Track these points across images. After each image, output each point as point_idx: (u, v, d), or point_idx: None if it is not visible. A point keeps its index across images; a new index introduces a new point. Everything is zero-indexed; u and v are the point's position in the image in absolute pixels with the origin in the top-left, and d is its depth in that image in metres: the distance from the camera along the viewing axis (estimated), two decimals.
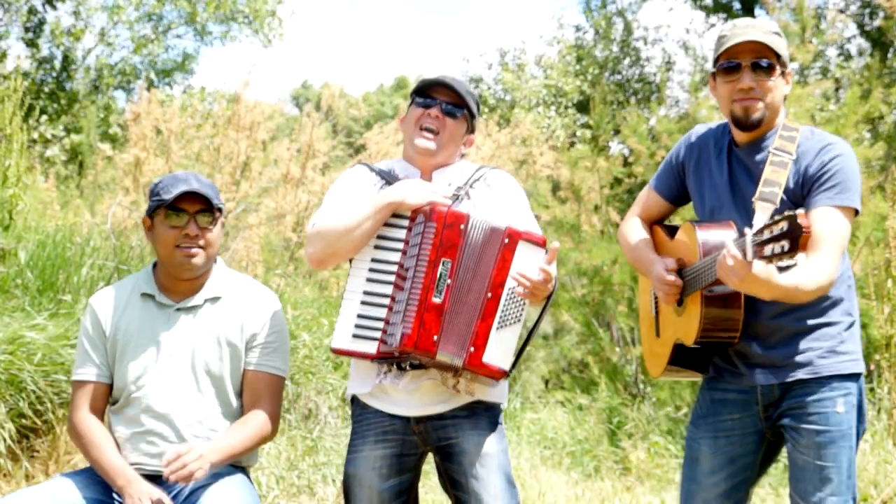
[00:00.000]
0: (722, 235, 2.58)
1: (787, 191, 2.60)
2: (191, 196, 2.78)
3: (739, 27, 2.67)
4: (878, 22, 13.95)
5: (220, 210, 2.85)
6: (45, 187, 9.15)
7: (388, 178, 2.91)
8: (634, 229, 2.94)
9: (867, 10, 15.09)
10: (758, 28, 2.64)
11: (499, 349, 2.67)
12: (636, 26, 18.48)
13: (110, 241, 5.96)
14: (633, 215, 2.99)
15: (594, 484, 5.83)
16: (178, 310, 2.85)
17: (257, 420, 2.83)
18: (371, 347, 2.72)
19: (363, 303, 2.74)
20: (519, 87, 19.15)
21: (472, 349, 2.66)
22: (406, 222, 2.76)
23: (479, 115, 3.03)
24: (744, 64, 2.62)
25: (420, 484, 3.00)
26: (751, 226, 2.42)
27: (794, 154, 2.61)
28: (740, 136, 2.72)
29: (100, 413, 2.86)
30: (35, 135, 12.81)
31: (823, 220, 2.54)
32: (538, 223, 2.93)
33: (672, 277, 2.67)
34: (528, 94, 18.75)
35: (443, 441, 2.80)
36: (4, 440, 4.23)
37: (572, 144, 15.09)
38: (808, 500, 2.56)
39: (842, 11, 15.07)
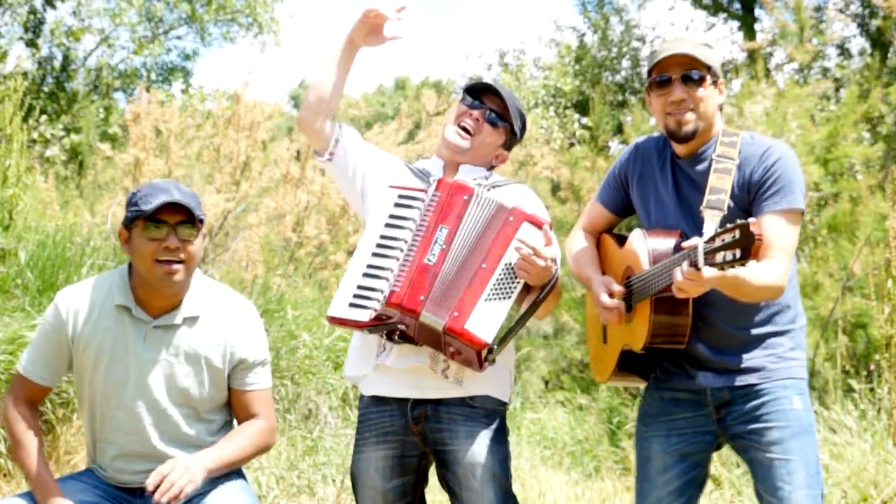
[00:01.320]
0: (670, 243, 2.62)
1: (733, 197, 2.63)
2: (171, 207, 2.62)
3: (669, 41, 2.72)
4: (877, 22, 13.95)
5: (201, 221, 2.70)
6: (45, 187, 9.15)
7: (415, 173, 2.92)
8: (578, 243, 2.97)
9: (867, 10, 15.09)
10: (687, 41, 2.69)
11: (484, 320, 2.62)
12: (635, 25, 18.47)
13: (110, 241, 5.97)
14: (579, 228, 3.02)
15: (594, 484, 5.83)
16: (156, 327, 2.72)
17: (254, 429, 2.80)
18: (364, 315, 2.68)
19: (364, 275, 2.72)
20: (518, 89, 19.14)
21: (455, 313, 2.62)
22: (420, 203, 2.76)
23: (521, 138, 3.03)
24: (674, 77, 2.65)
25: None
26: (700, 234, 2.47)
27: (736, 159, 2.65)
28: (679, 149, 2.75)
29: (35, 407, 2.79)
30: (35, 135, 12.80)
31: (771, 226, 2.57)
32: None
33: (613, 301, 2.69)
34: (527, 95, 18.74)
35: (439, 446, 2.78)
36: (4, 440, 4.22)
37: (571, 145, 15.08)
38: (777, 495, 2.57)
39: (841, 11, 15.08)
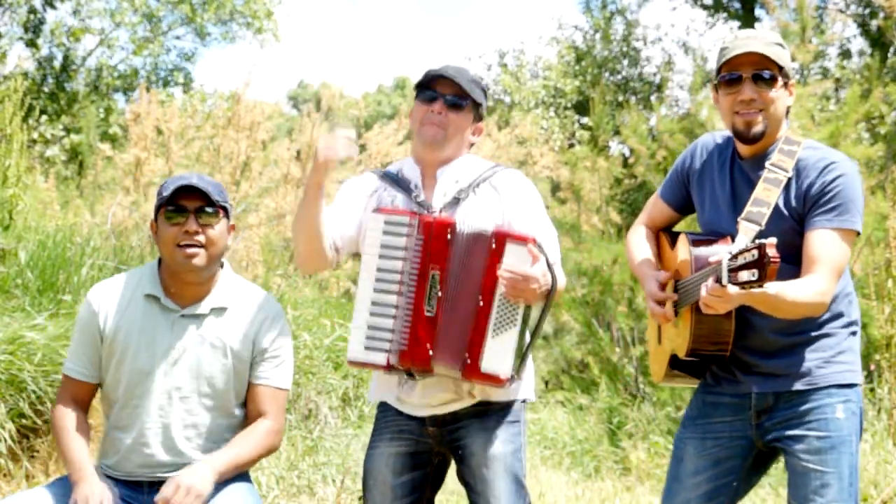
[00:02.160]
0: (715, 251, 2.54)
1: (788, 207, 2.58)
2: (191, 193, 2.72)
3: (741, 38, 2.64)
4: (878, 22, 13.95)
5: (224, 209, 2.79)
6: (45, 187, 9.15)
7: (394, 180, 2.89)
8: (638, 240, 2.93)
9: (867, 10, 15.09)
10: (759, 39, 2.61)
11: (497, 355, 2.64)
12: (636, 26, 18.48)
13: (110, 241, 5.97)
14: (640, 223, 2.97)
15: (594, 484, 5.83)
16: (183, 316, 2.78)
17: (264, 430, 2.80)
18: (382, 358, 2.71)
19: (372, 313, 2.72)
20: (518, 89, 19.15)
21: (468, 360, 2.65)
22: (406, 229, 2.72)
23: (487, 100, 2.98)
24: (745, 75, 2.59)
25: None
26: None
27: (790, 171, 2.59)
28: (743, 150, 2.69)
29: (84, 406, 2.82)
30: (35, 135, 12.81)
31: (821, 241, 2.51)
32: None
33: (660, 299, 2.67)
34: (527, 95, 18.75)
35: (454, 443, 2.81)
36: (4, 440, 4.22)
37: (571, 146, 15.09)
38: None
39: (842, 11, 15.08)
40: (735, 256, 2.26)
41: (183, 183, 2.72)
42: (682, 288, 2.63)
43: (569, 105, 18.49)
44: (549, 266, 2.67)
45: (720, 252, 2.36)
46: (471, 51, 38.45)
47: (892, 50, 12.60)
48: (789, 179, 2.59)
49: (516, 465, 2.80)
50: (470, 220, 2.74)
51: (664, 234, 2.90)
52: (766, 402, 2.62)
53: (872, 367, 5.62)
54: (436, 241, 2.68)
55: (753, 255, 2.20)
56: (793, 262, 2.54)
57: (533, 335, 2.76)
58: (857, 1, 15.34)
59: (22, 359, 4.36)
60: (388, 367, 2.72)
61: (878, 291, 5.64)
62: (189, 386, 2.77)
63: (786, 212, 2.58)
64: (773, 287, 2.37)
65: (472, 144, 2.96)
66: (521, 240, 2.64)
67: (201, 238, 2.72)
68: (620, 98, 17.00)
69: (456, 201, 2.81)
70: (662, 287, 2.69)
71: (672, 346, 2.73)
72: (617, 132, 11.56)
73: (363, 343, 2.72)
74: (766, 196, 2.56)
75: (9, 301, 4.94)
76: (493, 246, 2.64)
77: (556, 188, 11.37)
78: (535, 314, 2.79)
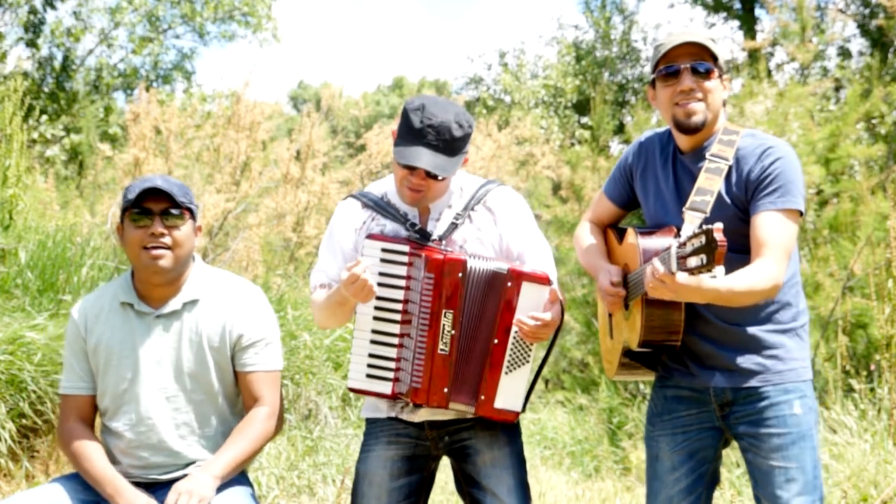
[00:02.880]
0: (662, 242, 2.60)
1: (730, 195, 2.62)
2: (156, 196, 2.70)
3: (676, 34, 2.70)
4: (878, 21, 13.95)
5: (189, 210, 2.76)
6: (45, 187, 9.14)
7: (380, 208, 2.83)
8: (586, 235, 2.98)
9: (867, 10, 15.09)
10: (694, 34, 2.67)
11: (510, 393, 2.68)
12: (636, 25, 18.48)
13: (110, 241, 5.97)
14: (586, 220, 3.03)
15: (594, 484, 5.83)
16: (158, 317, 2.78)
17: (258, 419, 2.80)
18: (386, 388, 2.73)
19: (373, 342, 2.72)
20: (518, 88, 19.15)
21: (482, 398, 2.68)
22: (406, 258, 2.70)
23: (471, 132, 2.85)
24: (682, 67, 2.64)
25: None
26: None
27: (730, 160, 2.63)
28: (683, 143, 2.73)
29: (89, 421, 2.83)
30: (35, 135, 12.81)
31: (766, 224, 2.55)
32: (539, 223, 2.90)
33: (614, 289, 2.70)
34: (528, 95, 18.75)
35: (456, 444, 2.82)
36: (5, 440, 4.22)
37: (571, 145, 15.09)
38: (775, 502, 2.58)
39: (842, 11, 15.08)
40: (683, 244, 2.29)
41: (147, 185, 2.70)
42: (631, 281, 2.67)
43: (569, 105, 18.50)
44: (562, 303, 2.68)
45: (668, 241, 2.42)
46: (473, 53, 38.40)
47: (892, 50, 12.59)
48: (730, 168, 2.63)
49: (521, 463, 2.83)
50: (469, 246, 2.74)
51: (611, 230, 2.95)
52: (725, 397, 2.67)
53: (872, 367, 5.62)
54: (447, 279, 2.66)
55: (701, 241, 2.23)
56: (739, 251, 2.56)
57: (539, 371, 2.80)
58: (857, 1, 15.34)
59: (22, 359, 4.36)
60: (394, 397, 2.73)
61: (878, 291, 5.64)
62: (174, 385, 2.77)
63: (728, 200, 2.61)
64: (721, 283, 2.40)
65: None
66: (538, 279, 2.65)
67: (167, 240, 2.71)
68: (620, 98, 17.00)
69: (454, 227, 2.77)
70: (613, 283, 2.72)
71: (624, 339, 2.76)
72: (618, 131, 11.56)
73: (364, 371, 2.73)
74: (709, 185, 2.60)
75: (9, 301, 4.95)
76: (509, 285, 2.65)
77: (556, 187, 11.37)
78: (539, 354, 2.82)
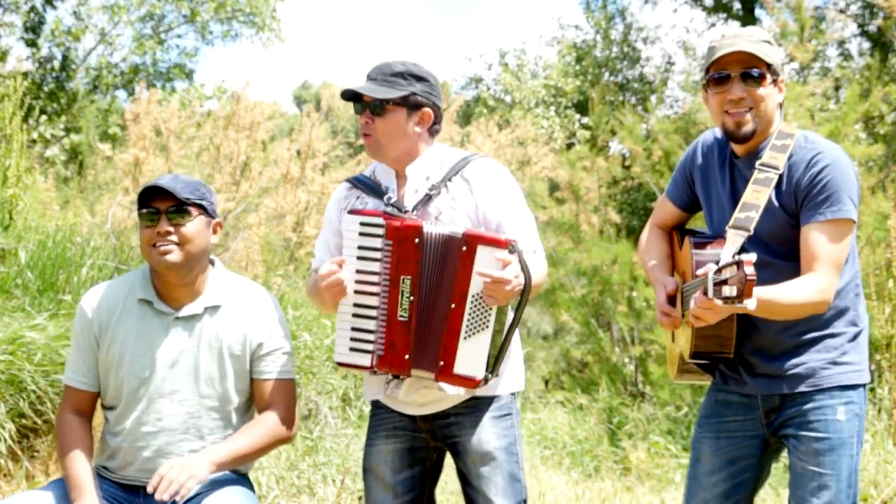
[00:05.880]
0: (714, 254, 2.55)
1: (781, 202, 2.57)
2: (163, 195, 2.72)
3: (728, 37, 2.62)
4: (878, 22, 13.95)
5: (197, 206, 2.76)
6: (45, 187, 9.15)
7: (365, 186, 2.85)
8: (648, 242, 2.93)
9: (867, 10, 15.09)
10: (746, 38, 2.59)
11: (470, 358, 2.66)
12: (639, 28, 18.48)
13: (110, 241, 5.97)
14: (651, 224, 2.97)
15: (594, 484, 5.83)
16: (178, 319, 2.77)
17: (268, 422, 2.79)
18: (366, 360, 2.73)
19: (354, 315, 2.73)
20: (518, 88, 19.15)
21: (441, 363, 2.66)
22: (381, 230, 2.70)
23: (428, 80, 2.83)
24: (733, 74, 2.57)
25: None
26: (740, 249, 2.44)
27: (780, 168, 2.56)
28: (737, 148, 2.68)
29: (86, 415, 2.82)
30: (35, 135, 12.81)
31: (816, 237, 2.50)
32: (535, 223, 2.89)
33: (667, 307, 2.67)
34: (528, 95, 18.75)
35: (448, 439, 2.82)
36: (4, 440, 4.22)
37: (571, 145, 15.09)
38: None
39: (842, 11, 15.08)
40: (720, 270, 2.25)
41: (150, 184, 2.73)
42: (686, 292, 2.63)
43: (569, 104, 18.50)
44: (523, 264, 2.64)
45: (710, 261, 2.36)
46: (475, 53, 38.41)
47: (892, 50, 12.59)
48: (780, 176, 2.57)
49: (511, 459, 2.80)
50: (444, 217, 2.73)
51: (676, 233, 2.89)
52: (772, 403, 2.63)
53: (873, 367, 5.62)
54: (404, 246, 2.67)
55: (732, 272, 2.19)
56: (790, 259, 2.53)
57: (508, 332, 2.74)
58: (857, 1, 15.33)
59: (22, 359, 4.36)
60: (373, 369, 2.73)
61: (879, 291, 5.65)
62: (188, 389, 2.76)
63: (779, 207, 2.56)
64: (766, 292, 2.36)
65: (434, 133, 2.85)
66: (493, 242, 2.62)
67: (174, 238, 2.72)
68: (620, 98, 17.01)
69: (428, 198, 2.77)
70: (671, 296, 2.68)
71: (680, 347, 2.75)
72: (614, 132, 11.57)
73: (348, 345, 2.74)
74: (755, 199, 2.54)
75: (9, 301, 4.94)
76: (465, 249, 2.63)
77: (554, 188, 11.37)
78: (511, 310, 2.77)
